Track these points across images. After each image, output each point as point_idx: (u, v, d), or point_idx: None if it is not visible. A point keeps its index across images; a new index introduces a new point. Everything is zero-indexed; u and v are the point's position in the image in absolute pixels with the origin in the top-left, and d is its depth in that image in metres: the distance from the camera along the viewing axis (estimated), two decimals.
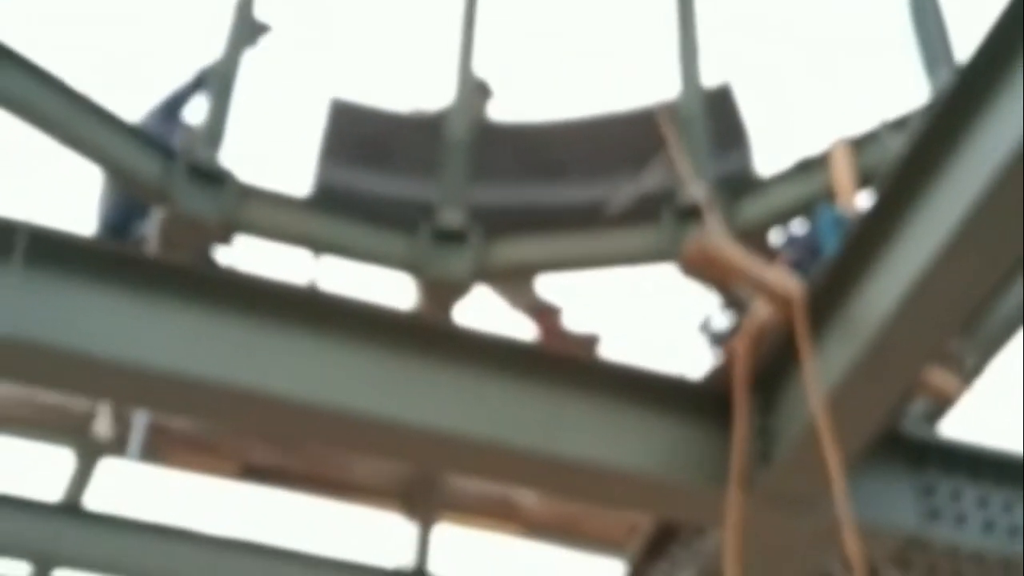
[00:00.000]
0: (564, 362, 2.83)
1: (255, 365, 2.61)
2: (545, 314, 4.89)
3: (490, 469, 2.89)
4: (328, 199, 4.56)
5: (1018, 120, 1.98)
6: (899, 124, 4.20)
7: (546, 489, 3.02)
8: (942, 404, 3.26)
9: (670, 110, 4.73)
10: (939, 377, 2.99)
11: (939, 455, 2.96)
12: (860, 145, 4.22)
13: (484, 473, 3.05)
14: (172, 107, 4.93)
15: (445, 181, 4.54)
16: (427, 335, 2.78)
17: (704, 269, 2.73)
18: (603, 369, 2.86)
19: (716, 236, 2.84)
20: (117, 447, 4.36)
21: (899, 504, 2.84)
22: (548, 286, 4.90)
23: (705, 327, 3.81)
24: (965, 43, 4.14)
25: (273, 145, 5.77)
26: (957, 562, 2.83)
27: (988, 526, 2.87)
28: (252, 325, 2.65)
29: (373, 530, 5.10)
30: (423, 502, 4.68)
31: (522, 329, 4.95)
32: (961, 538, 2.83)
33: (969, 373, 4.08)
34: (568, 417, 2.75)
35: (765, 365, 2.76)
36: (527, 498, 4.88)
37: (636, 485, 2.74)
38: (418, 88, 5.84)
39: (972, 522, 2.87)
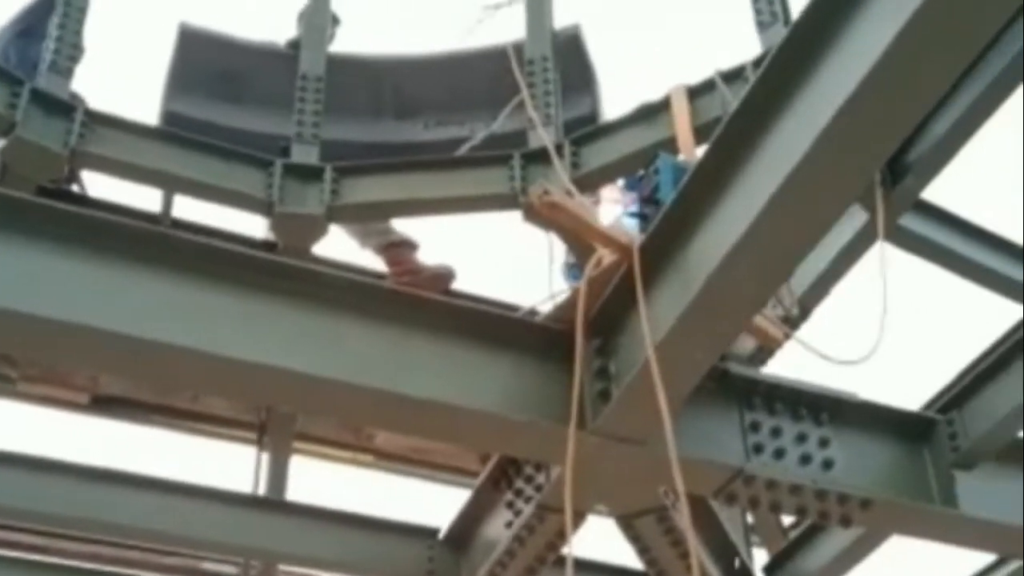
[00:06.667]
0: (413, 302, 2.88)
1: (103, 303, 2.57)
2: (398, 249, 4.94)
3: (340, 409, 2.94)
4: (175, 130, 4.50)
5: (847, 77, 2.05)
6: (733, 75, 4.37)
7: (394, 428, 3.09)
8: (769, 347, 3.47)
9: (520, 50, 4.80)
10: (766, 322, 3.20)
11: (763, 393, 3.12)
12: (696, 93, 4.38)
13: (335, 412, 3.10)
14: (25, 26, 4.72)
15: (300, 116, 4.52)
16: (277, 273, 2.77)
17: (548, 218, 2.84)
18: (450, 309, 2.92)
19: (559, 187, 2.95)
20: None
21: (727, 440, 3.01)
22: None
23: (569, 270, 3.95)
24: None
25: (119, 73, 5.63)
26: (777, 494, 3.03)
27: (805, 460, 3.07)
28: (99, 261, 2.60)
29: (225, 462, 5.15)
30: (277, 434, 4.72)
31: (377, 264, 5.01)
32: (780, 472, 3.01)
33: (796, 318, 4.35)
34: (416, 357, 2.80)
35: (604, 309, 2.86)
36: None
37: (482, 424, 2.83)
38: (268, 15, 5.74)
39: (790, 456, 3.05)
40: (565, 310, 2.96)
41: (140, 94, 5.14)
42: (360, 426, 4.96)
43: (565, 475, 2.64)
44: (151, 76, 5.11)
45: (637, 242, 2.76)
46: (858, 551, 3.85)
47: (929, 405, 5.05)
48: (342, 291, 2.82)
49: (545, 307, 3.21)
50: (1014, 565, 5.15)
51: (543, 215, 2.81)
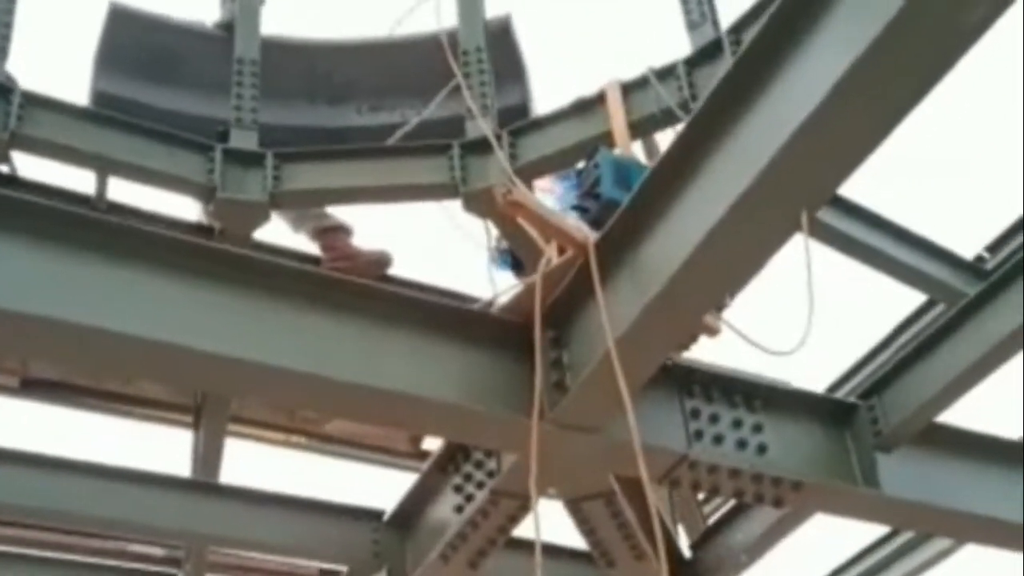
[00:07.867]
0: (368, 292, 2.93)
1: (39, 290, 2.51)
2: (333, 234, 4.96)
3: (299, 398, 2.98)
4: (113, 113, 4.46)
5: (819, 75, 2.03)
6: (665, 73, 4.49)
7: (354, 417, 3.14)
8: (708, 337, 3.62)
9: (452, 38, 4.85)
10: (708, 316, 3.34)
11: (701, 381, 3.26)
12: (629, 89, 4.49)
13: (293, 402, 3.12)
14: None
15: (238, 101, 4.50)
16: (234, 264, 2.79)
17: (508, 215, 2.94)
18: (405, 300, 2.98)
19: (514, 182, 3.04)
20: None
21: (670, 427, 3.14)
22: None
23: (500, 256, 4.04)
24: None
25: (50, 53, 5.52)
26: (717, 478, 3.18)
27: (741, 445, 3.22)
28: (36, 247, 2.54)
29: (158, 445, 5.14)
30: (211, 417, 4.73)
31: (311, 248, 5.04)
32: (720, 456, 3.16)
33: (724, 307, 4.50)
34: (375, 347, 2.85)
35: (558, 303, 2.96)
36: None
37: (442, 414, 2.91)
38: None
39: (728, 442, 3.20)
40: (519, 303, 3.06)
41: (57, 71, 5.06)
42: (296, 409, 4.99)
43: (529, 463, 2.75)
44: (64, 52, 5.04)
45: (592, 239, 2.86)
46: (781, 530, 4.04)
47: (835, 387, 5.31)
48: (301, 282, 2.85)
49: (494, 299, 3.30)
50: (904, 537, 5.43)
51: (505, 212, 2.90)
